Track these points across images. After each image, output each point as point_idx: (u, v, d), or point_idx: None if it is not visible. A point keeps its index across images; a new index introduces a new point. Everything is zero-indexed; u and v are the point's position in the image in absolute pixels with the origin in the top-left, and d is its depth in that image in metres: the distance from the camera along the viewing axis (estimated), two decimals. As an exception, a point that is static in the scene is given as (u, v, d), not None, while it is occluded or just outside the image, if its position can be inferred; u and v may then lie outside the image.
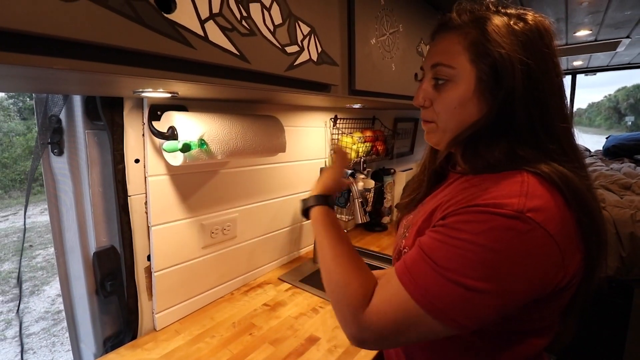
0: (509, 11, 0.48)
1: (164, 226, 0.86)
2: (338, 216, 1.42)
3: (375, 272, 0.54)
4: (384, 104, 1.13)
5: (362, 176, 1.40)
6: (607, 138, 2.91)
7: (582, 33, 1.74)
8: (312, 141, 1.29)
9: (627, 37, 1.81)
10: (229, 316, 0.93)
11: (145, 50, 0.42)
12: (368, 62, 0.83)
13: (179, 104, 0.83)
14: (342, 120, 1.38)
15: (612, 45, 1.93)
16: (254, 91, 0.67)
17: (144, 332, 0.87)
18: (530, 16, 0.47)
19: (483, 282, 0.39)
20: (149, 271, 0.86)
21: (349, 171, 1.10)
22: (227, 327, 0.88)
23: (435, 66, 0.49)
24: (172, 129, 0.73)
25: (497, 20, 0.46)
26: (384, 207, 1.68)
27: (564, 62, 2.56)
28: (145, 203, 0.83)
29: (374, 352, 0.78)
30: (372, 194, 1.49)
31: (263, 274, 1.18)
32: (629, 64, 2.67)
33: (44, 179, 0.86)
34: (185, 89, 0.59)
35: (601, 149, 2.89)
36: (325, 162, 1.37)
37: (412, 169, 1.93)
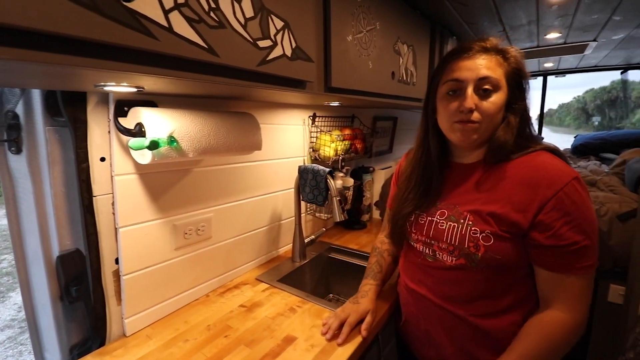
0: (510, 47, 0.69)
1: (133, 227, 0.82)
2: (317, 214, 1.41)
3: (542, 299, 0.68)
4: (361, 102, 1.12)
5: (341, 174, 1.40)
6: (575, 137, 3.04)
7: (552, 35, 1.81)
8: (290, 139, 1.27)
9: (594, 40, 1.89)
10: (204, 319, 0.91)
11: (103, 41, 0.39)
12: (344, 59, 0.82)
13: (148, 100, 0.79)
14: (320, 118, 1.37)
15: (580, 48, 2.01)
16: (226, 87, 0.65)
17: (113, 339, 0.83)
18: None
19: None
20: (117, 275, 0.83)
21: (328, 169, 1.09)
22: (202, 330, 0.86)
23: (484, 78, 0.64)
24: (139, 125, 0.69)
25: (512, 51, 0.68)
26: (363, 205, 1.69)
27: (535, 64, 2.65)
28: (112, 204, 0.79)
29: (351, 349, 0.77)
30: (351, 192, 1.49)
31: (240, 275, 1.15)
32: (595, 66, 2.80)
33: (0, 180, 0.80)
34: (151, 83, 0.57)
35: (570, 147, 3.02)
36: (304, 160, 1.36)
37: (391, 167, 1.95)
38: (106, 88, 0.57)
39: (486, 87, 0.64)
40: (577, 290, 0.62)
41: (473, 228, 0.66)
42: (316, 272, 1.33)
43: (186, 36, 0.46)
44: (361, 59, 0.89)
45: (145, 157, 0.70)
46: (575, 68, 2.84)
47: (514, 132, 0.67)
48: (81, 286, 0.80)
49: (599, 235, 1.36)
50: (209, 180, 0.99)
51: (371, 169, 1.70)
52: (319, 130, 1.36)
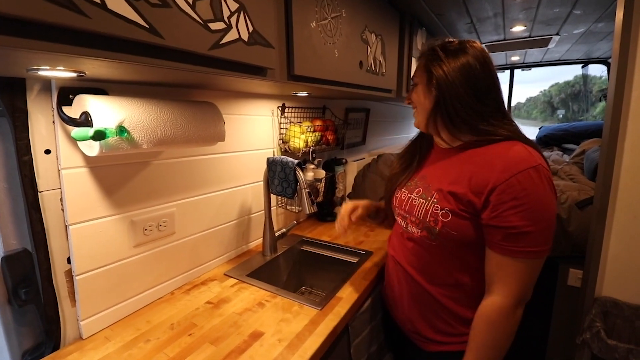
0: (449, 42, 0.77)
1: (86, 224, 0.77)
2: (288, 207, 1.39)
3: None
4: (329, 92, 1.11)
5: (312, 166, 1.38)
6: (539, 129, 3.18)
7: (518, 29, 1.86)
8: (258, 130, 1.24)
9: (557, 34, 1.96)
10: (167, 317, 0.87)
11: (24, 17, 0.35)
12: (308, 46, 0.80)
13: (98, 88, 0.74)
14: (290, 109, 1.35)
15: (544, 42, 2.08)
16: (180, 73, 0.61)
17: (68, 342, 0.79)
18: (457, 44, 0.76)
19: None
20: (70, 275, 0.77)
21: (297, 161, 1.07)
22: (165, 330, 0.82)
23: (412, 78, 0.83)
24: (85, 114, 0.64)
25: (438, 50, 0.75)
26: (335, 197, 1.68)
27: (503, 57, 2.73)
28: (61, 199, 0.74)
29: (318, 342, 0.77)
30: (322, 184, 1.48)
31: (208, 271, 1.12)
32: (558, 60, 2.92)
33: None
34: (91, 67, 0.52)
35: (534, 138, 3.15)
36: (274, 152, 1.33)
37: (364, 158, 1.95)
38: (41, 72, 0.52)
39: (412, 84, 0.82)
40: (515, 273, 0.66)
41: (436, 205, 0.74)
42: (288, 266, 1.31)
43: (123, 14, 0.42)
44: (326, 47, 0.87)
45: (92, 148, 0.65)
46: (540, 62, 2.95)
47: (441, 121, 0.76)
48: (31, 288, 0.75)
49: (559, 223, 1.43)
50: (170, 173, 0.94)
51: (344, 160, 1.70)
52: (288, 121, 1.33)
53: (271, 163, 1.13)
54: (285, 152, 1.34)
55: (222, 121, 0.86)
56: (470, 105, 0.72)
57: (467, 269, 0.75)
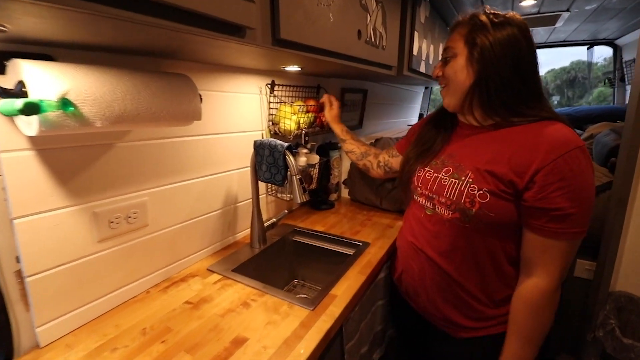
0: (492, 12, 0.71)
1: (35, 217, 0.65)
2: (279, 195, 1.29)
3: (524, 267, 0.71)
4: (323, 66, 0.98)
5: (305, 151, 1.27)
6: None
7: (527, 3, 1.72)
8: (244, 110, 1.11)
9: (567, 10, 1.83)
10: (140, 321, 0.77)
11: None
12: (297, 5, 0.67)
13: (41, 53, 0.61)
14: (280, 87, 1.22)
15: (552, 19, 1.95)
16: (134, 30, 0.49)
17: (23, 351, 0.68)
18: (502, 17, 0.69)
19: None
20: (20, 276, 0.66)
21: (287, 144, 0.95)
22: (135, 336, 0.72)
23: (445, 49, 0.76)
24: (21, 84, 0.52)
25: (482, 17, 0.70)
26: (330, 183, 1.58)
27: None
28: (3, 189, 0.62)
29: (309, 349, 0.68)
30: (316, 170, 1.37)
31: (189, 266, 1.02)
32: (564, 41, 2.79)
33: None
34: (17, 18, 0.39)
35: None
36: (262, 134, 1.21)
37: (361, 143, 1.83)
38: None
39: (447, 55, 0.75)
40: (557, 255, 0.66)
41: (472, 185, 0.70)
42: (279, 258, 1.22)
43: None
44: (320, 8, 0.74)
45: (31, 126, 0.53)
46: (545, 42, 2.82)
47: (478, 101, 0.72)
48: (-26, 291, 0.64)
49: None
50: (140, 158, 0.82)
51: (340, 145, 1.58)
52: (279, 100, 1.21)
53: (258, 146, 1.01)
54: (275, 134, 1.21)
55: (197, 97, 0.74)
56: (513, 85, 0.68)
57: (498, 251, 0.72)
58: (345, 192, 1.66)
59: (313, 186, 1.39)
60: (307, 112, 1.27)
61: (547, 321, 0.69)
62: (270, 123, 1.21)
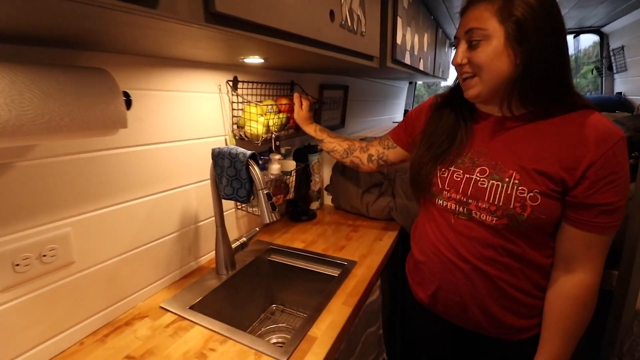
0: None
1: None
2: (250, 210, 1.11)
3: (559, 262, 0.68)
4: (290, 55, 0.81)
5: (278, 157, 1.10)
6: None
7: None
8: (200, 112, 0.93)
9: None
10: (60, 391, 0.59)
11: None
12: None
13: None
14: (245, 84, 1.04)
15: None
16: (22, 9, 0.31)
17: None
18: None
19: None
20: None
21: (250, 152, 0.78)
22: (48, 416, 0.54)
23: (469, 31, 0.63)
24: None
25: None
26: (311, 190, 1.42)
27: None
28: None
29: None
30: (293, 178, 1.20)
31: (138, 303, 0.83)
32: (568, 29, 2.70)
33: None
34: None
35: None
36: (226, 140, 1.03)
37: (344, 144, 1.68)
38: None
39: (474, 38, 0.63)
40: (601, 249, 0.64)
41: (520, 187, 0.64)
42: (252, 283, 1.05)
43: None
44: (278, -21, 0.57)
45: None
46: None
47: (520, 90, 0.62)
48: None
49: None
50: (54, 179, 0.64)
51: (319, 147, 1.42)
52: (243, 100, 1.03)
53: (217, 156, 0.84)
54: (240, 140, 1.04)
55: (119, 97, 0.56)
56: (557, 67, 0.61)
57: (543, 249, 0.68)
58: (328, 199, 1.50)
59: (290, 196, 1.23)
60: (279, 112, 1.10)
61: (589, 317, 0.67)
62: (235, 127, 1.04)
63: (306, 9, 0.65)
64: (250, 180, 0.79)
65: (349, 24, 0.82)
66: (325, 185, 1.47)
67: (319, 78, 1.49)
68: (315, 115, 1.29)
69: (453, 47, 2.66)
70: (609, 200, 0.59)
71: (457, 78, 0.74)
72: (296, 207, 1.35)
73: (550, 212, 0.63)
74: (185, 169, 0.91)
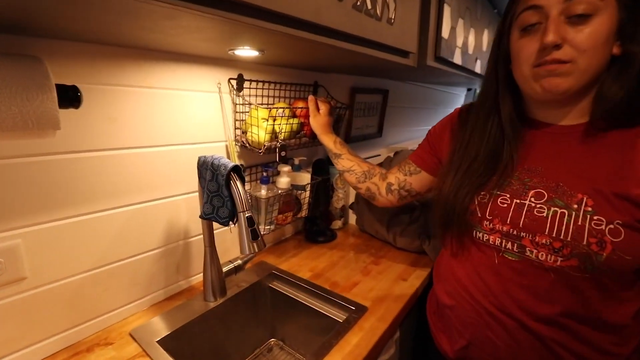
0: None
1: None
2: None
3: None
4: (288, 44, 0.66)
5: (287, 169, 0.95)
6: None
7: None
8: (194, 114, 0.82)
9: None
10: None
11: None
12: None
13: None
14: (254, 82, 0.91)
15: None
16: None
17: None
18: None
19: None
20: None
21: (232, 164, 0.64)
22: None
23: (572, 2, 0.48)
24: None
25: None
26: (332, 207, 1.24)
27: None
28: None
29: None
30: (307, 193, 1.04)
31: (110, 325, 0.74)
32: None
33: None
34: None
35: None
36: (226, 146, 0.90)
37: (379, 155, 1.48)
38: None
39: (579, 10, 0.48)
40: None
41: (595, 217, 0.50)
42: (246, 312, 0.90)
43: None
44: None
45: None
46: None
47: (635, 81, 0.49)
48: None
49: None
50: (3, 183, 0.56)
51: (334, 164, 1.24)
52: (244, 101, 0.90)
53: (201, 166, 0.71)
54: (243, 147, 0.91)
55: (47, 92, 0.45)
56: None
57: (621, 304, 0.53)
58: (353, 218, 1.31)
59: (303, 214, 1.07)
60: (293, 117, 0.95)
61: None
62: (240, 132, 0.91)
63: (297, -21, 0.48)
64: (232, 201, 0.65)
65: (368, 6, 0.64)
66: (350, 203, 1.29)
67: (350, 80, 1.31)
68: (339, 124, 1.11)
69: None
70: None
71: (496, 70, 0.60)
72: (313, 226, 1.18)
73: (638, 251, 0.48)
74: (174, 178, 0.80)
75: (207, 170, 0.68)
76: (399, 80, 1.65)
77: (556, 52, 0.49)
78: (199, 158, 0.72)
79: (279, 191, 0.95)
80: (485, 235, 0.59)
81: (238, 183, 0.63)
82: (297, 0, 0.49)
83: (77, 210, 0.65)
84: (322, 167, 1.17)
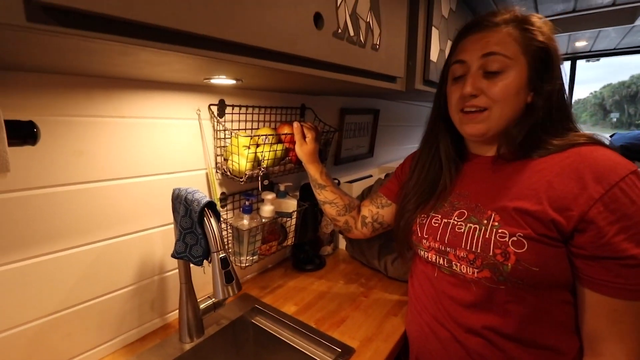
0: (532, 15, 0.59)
1: None
2: (231, 258, 0.93)
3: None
4: (268, 75, 0.62)
5: (271, 196, 0.90)
6: (611, 137, 2.47)
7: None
8: (171, 143, 0.78)
9: (655, 0, 1.34)
10: None
11: None
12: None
13: None
14: (237, 108, 0.88)
15: (632, 14, 1.46)
16: None
17: None
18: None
19: None
20: None
21: (207, 200, 0.60)
22: None
23: (489, 55, 0.56)
24: None
25: (536, 21, 0.57)
26: (322, 232, 1.19)
27: (564, 43, 2.09)
28: None
29: None
30: (293, 222, 0.99)
31: (72, 374, 0.68)
32: (639, 46, 2.23)
33: None
34: None
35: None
36: (207, 175, 0.86)
37: (371, 176, 1.44)
38: None
39: (494, 67, 0.56)
40: (633, 324, 0.49)
41: (500, 230, 0.55)
42: (226, 352, 0.84)
43: None
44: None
45: None
46: (615, 49, 2.27)
47: (541, 124, 0.56)
48: None
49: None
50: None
51: (336, 181, 1.21)
52: (224, 128, 0.86)
53: (175, 200, 0.66)
54: (224, 176, 0.87)
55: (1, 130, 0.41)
56: (563, 104, 0.58)
57: (553, 325, 0.55)
58: (343, 243, 1.26)
59: (289, 242, 1.02)
60: (279, 142, 0.91)
61: None
62: (222, 159, 0.87)
63: (269, 9, 0.45)
64: (206, 239, 0.60)
65: (351, 33, 0.61)
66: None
67: (339, 101, 1.29)
68: (327, 148, 1.08)
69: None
70: (631, 252, 0.47)
71: (438, 109, 0.68)
72: (300, 253, 1.13)
73: (545, 264, 0.51)
74: (148, 210, 0.75)
75: (180, 204, 0.64)
76: (389, 100, 1.64)
77: (474, 99, 0.58)
78: (174, 190, 0.68)
79: (263, 220, 0.90)
80: (425, 253, 0.66)
81: (212, 220, 0.59)
82: (270, 32, 0.46)
83: (36, 250, 0.60)
84: (310, 192, 1.13)
